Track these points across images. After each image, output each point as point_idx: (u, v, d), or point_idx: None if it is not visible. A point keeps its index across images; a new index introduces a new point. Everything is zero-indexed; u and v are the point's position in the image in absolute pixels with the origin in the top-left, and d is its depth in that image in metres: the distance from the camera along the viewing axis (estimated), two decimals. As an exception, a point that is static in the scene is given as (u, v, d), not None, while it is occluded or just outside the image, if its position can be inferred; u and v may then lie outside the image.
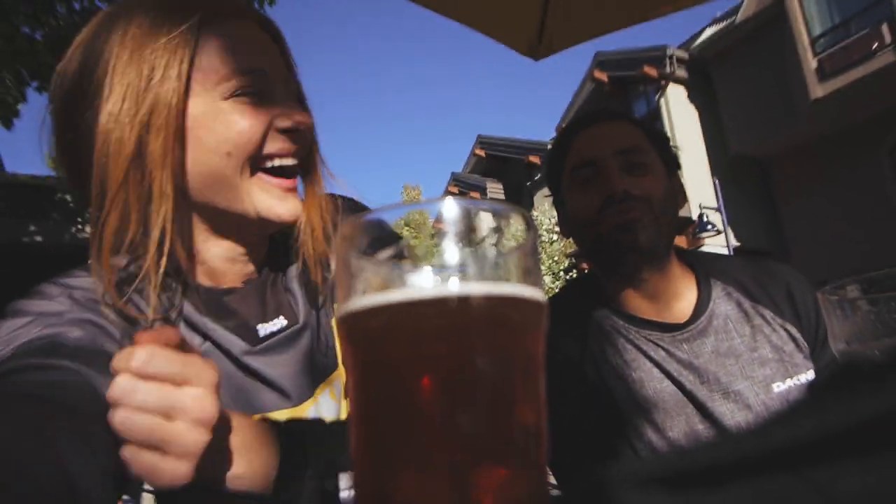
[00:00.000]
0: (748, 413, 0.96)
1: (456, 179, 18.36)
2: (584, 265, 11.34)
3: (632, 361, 1.02)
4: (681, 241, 10.58)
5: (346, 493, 0.50)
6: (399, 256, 0.28)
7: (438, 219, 0.27)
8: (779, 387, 0.97)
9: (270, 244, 0.74)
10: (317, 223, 0.72)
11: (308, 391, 0.69)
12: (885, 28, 9.65)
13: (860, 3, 10.06)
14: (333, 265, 0.75)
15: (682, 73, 12.21)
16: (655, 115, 12.22)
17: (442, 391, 0.24)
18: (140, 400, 0.39)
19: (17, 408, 0.41)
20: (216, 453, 0.45)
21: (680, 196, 1.10)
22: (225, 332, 0.65)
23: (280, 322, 0.69)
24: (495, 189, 17.45)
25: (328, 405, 0.70)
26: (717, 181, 10.78)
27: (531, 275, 0.27)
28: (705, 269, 1.09)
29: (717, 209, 10.55)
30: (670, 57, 12.01)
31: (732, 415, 0.96)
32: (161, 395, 0.40)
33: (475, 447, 0.24)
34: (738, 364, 0.99)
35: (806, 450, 0.17)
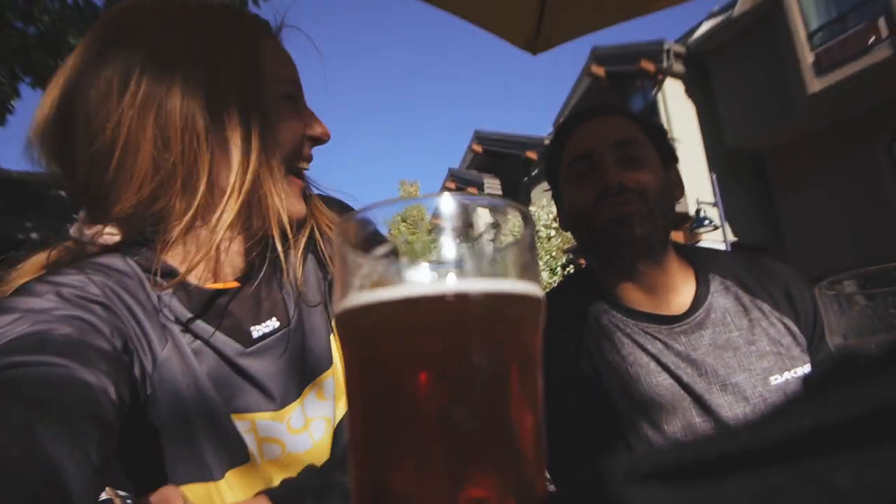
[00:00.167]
0: (745, 405, 0.97)
1: (453, 175, 18.34)
2: (582, 261, 11.36)
3: (628, 355, 1.02)
4: (678, 236, 10.60)
5: None
6: (396, 252, 0.28)
7: (436, 214, 0.27)
8: (776, 379, 0.98)
9: (265, 243, 0.74)
10: (318, 222, 0.76)
11: (295, 392, 0.69)
12: (881, 22, 9.67)
13: (857, -3, 10.08)
14: (331, 263, 0.76)
15: (679, 67, 12.20)
16: (652, 109, 12.22)
17: (440, 387, 0.24)
18: None
19: (5, 406, 0.41)
20: None
21: (677, 190, 1.10)
22: (218, 333, 0.65)
23: (273, 324, 0.69)
24: (492, 185, 17.45)
25: (314, 406, 0.71)
26: (714, 176, 10.79)
27: (529, 270, 0.27)
28: (703, 263, 1.09)
29: (715, 204, 10.57)
30: (667, 51, 12.00)
31: (730, 407, 0.97)
32: None
33: (473, 444, 0.24)
34: (735, 357, 0.99)
35: (802, 442, 0.17)
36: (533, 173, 15.96)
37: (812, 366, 0.99)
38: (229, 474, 0.62)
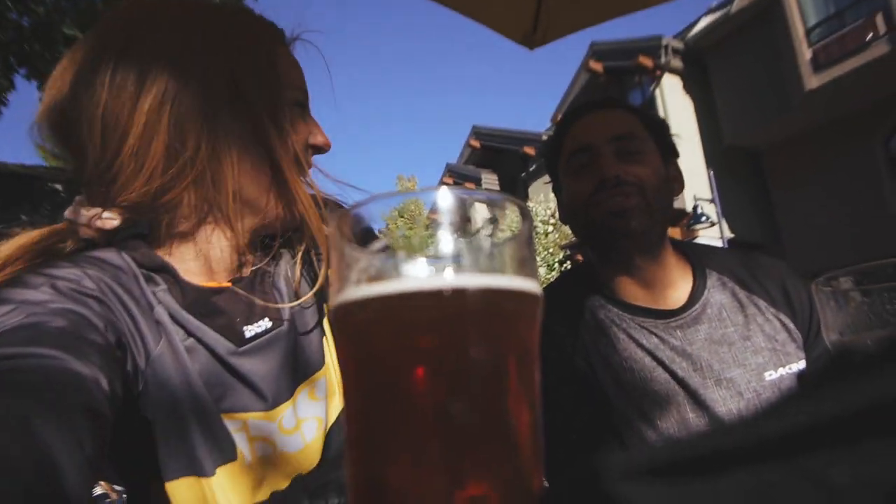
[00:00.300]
0: (740, 400, 0.97)
1: (451, 170, 18.31)
2: (580, 256, 11.37)
3: (623, 350, 1.03)
4: (675, 232, 10.62)
5: None
6: (393, 247, 0.27)
7: (433, 209, 0.27)
8: (771, 375, 0.98)
9: (260, 243, 0.74)
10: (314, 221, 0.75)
11: (287, 392, 0.69)
12: (879, 18, 9.66)
13: (855, -7, 10.07)
14: (326, 261, 0.76)
15: (677, 63, 12.18)
16: (650, 105, 12.21)
17: (436, 383, 0.24)
18: None
19: None
20: None
21: (677, 184, 1.11)
22: (210, 331, 0.65)
23: (265, 323, 0.69)
24: (490, 180, 17.43)
25: (306, 406, 0.71)
26: (712, 172, 10.80)
27: (526, 266, 0.27)
28: (700, 259, 1.10)
29: (712, 200, 10.58)
30: (665, 47, 11.98)
31: (724, 402, 0.97)
32: None
33: (470, 439, 0.24)
34: (731, 352, 1.00)
35: (798, 438, 0.17)
36: (530, 169, 15.94)
37: (808, 362, 1.00)
38: (220, 471, 0.62)
